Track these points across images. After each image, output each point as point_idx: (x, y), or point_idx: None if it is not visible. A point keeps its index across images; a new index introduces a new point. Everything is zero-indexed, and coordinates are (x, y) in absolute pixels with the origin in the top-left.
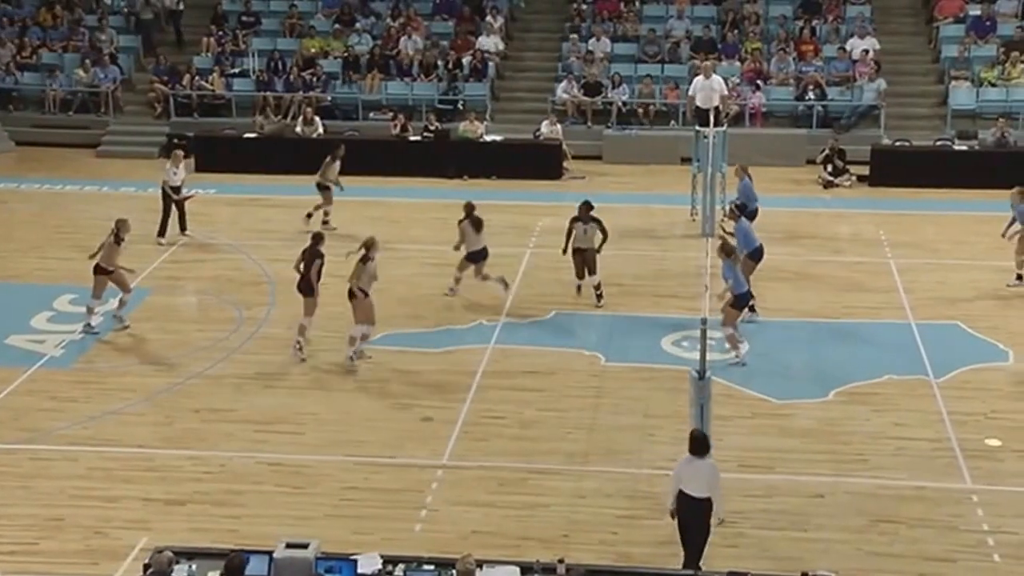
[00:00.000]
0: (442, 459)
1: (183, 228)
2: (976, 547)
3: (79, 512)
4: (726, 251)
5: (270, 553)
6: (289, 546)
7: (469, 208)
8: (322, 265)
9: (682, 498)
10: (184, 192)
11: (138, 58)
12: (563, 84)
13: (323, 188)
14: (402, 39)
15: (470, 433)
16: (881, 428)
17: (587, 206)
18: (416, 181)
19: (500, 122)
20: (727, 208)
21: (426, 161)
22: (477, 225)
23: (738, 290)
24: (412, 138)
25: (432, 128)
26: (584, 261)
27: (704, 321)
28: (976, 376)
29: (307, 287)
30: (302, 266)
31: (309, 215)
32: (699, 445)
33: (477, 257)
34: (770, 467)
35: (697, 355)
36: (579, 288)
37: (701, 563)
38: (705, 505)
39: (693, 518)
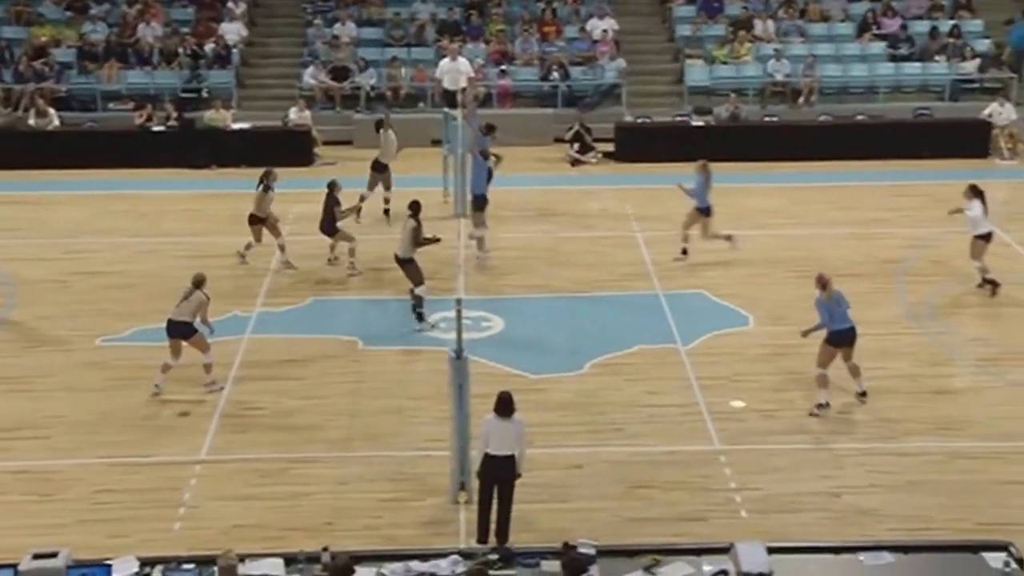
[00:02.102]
0: (200, 454)
1: None
2: (725, 505)
3: None
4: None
5: (14, 567)
6: (37, 556)
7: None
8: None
9: (488, 459)
10: None
11: None
12: (310, 70)
13: (256, 221)
14: (140, 26)
15: (228, 426)
16: (634, 397)
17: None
18: (163, 172)
19: (247, 109)
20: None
21: (173, 152)
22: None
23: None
24: (156, 128)
25: (176, 118)
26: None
27: (459, 301)
28: (720, 341)
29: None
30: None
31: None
32: (505, 406)
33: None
34: (529, 442)
35: (454, 335)
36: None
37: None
38: (511, 462)
39: (498, 476)
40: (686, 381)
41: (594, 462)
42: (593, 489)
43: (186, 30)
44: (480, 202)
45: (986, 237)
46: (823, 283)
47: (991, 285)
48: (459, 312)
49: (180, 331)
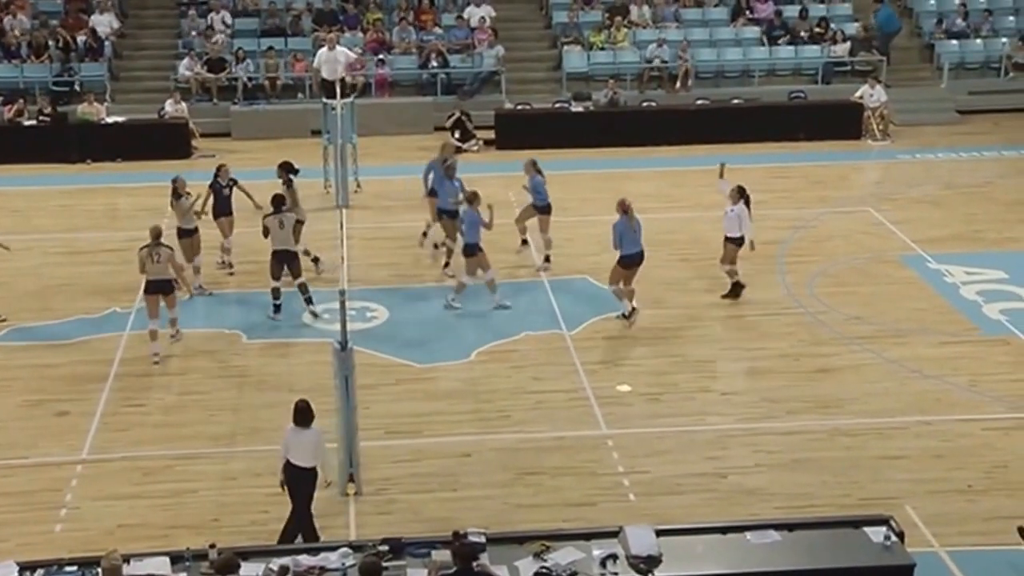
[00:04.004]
0: (81, 454)
1: None
2: (613, 489)
3: None
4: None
5: None
6: None
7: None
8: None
9: (289, 468)
10: None
11: None
12: (185, 61)
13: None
14: (6, 19)
15: (110, 424)
16: (521, 383)
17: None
18: (35, 168)
19: (121, 103)
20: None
21: (45, 147)
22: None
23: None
24: (27, 123)
25: (49, 112)
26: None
27: (343, 292)
28: (604, 326)
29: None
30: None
31: None
32: (303, 416)
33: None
34: (417, 431)
35: (338, 326)
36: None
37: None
38: (310, 475)
39: (298, 487)
40: (572, 367)
41: (482, 450)
42: (481, 477)
43: (55, 22)
44: (472, 250)
45: (738, 241)
46: (624, 208)
47: (736, 289)
48: (343, 303)
49: (163, 288)
